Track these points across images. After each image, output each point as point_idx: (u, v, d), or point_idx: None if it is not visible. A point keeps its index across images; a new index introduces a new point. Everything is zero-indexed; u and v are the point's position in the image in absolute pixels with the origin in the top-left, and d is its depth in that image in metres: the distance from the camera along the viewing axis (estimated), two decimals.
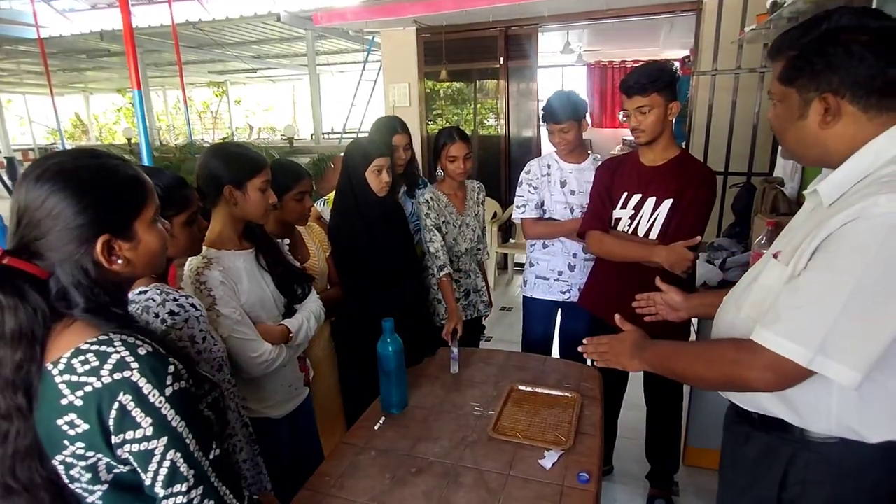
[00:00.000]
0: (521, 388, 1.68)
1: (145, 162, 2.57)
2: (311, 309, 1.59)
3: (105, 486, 0.81)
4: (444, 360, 1.92)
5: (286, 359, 1.48)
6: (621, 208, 1.90)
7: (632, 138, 1.90)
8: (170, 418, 0.77)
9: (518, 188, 2.25)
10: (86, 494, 0.81)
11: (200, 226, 1.29)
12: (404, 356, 1.59)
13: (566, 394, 1.64)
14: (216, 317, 1.35)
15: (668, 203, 1.80)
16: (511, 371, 1.81)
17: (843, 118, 0.89)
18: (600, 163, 2.09)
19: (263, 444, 1.45)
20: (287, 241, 1.69)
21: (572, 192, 2.17)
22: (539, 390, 1.67)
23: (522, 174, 2.25)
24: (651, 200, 1.83)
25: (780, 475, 0.98)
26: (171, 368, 0.79)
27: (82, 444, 0.77)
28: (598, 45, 7.37)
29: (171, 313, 1.13)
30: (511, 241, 5.01)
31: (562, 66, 8.37)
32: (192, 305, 1.19)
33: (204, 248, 1.40)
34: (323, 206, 2.25)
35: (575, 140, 2.12)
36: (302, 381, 1.63)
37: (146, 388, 0.76)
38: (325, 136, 7.45)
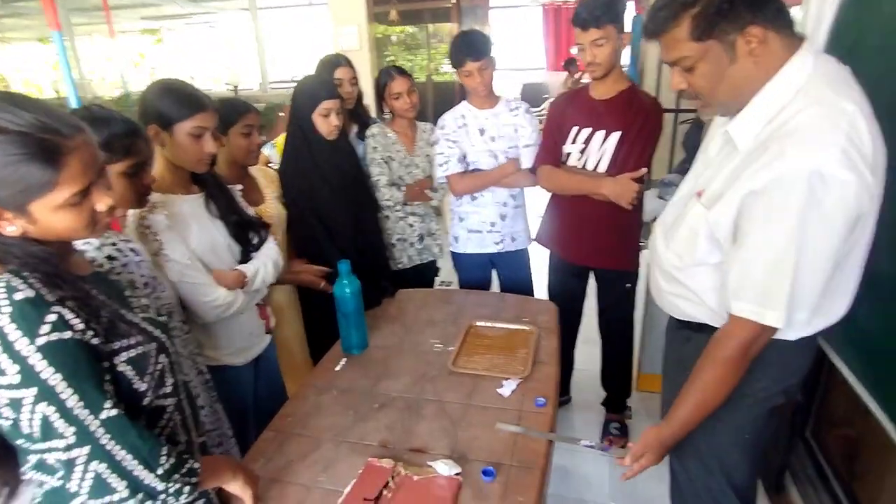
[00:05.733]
0: (480, 324, 1.72)
1: None
2: (269, 255, 1.55)
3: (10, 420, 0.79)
4: (404, 301, 1.94)
5: (243, 304, 1.45)
6: (571, 143, 1.90)
7: (586, 81, 1.87)
8: (39, 369, 0.74)
9: (436, 146, 2.10)
10: (2, 420, 0.79)
11: (146, 179, 1.21)
12: (363, 299, 1.59)
13: (523, 327, 1.68)
14: (164, 262, 1.30)
15: (616, 136, 1.81)
16: (470, 308, 1.84)
17: (768, 43, 0.93)
18: (550, 100, 2.07)
19: (226, 392, 1.45)
20: (240, 187, 1.62)
21: (493, 139, 2.06)
22: (497, 325, 1.71)
23: (437, 130, 2.10)
24: (600, 134, 1.83)
25: None
26: (52, 317, 0.75)
27: None
28: None
29: (109, 258, 1.10)
30: None
31: (516, 6, 8.17)
32: (132, 250, 1.16)
33: None
34: (272, 150, 2.17)
35: (492, 78, 2.00)
36: (263, 328, 1.61)
37: (13, 334, 0.73)
38: (272, 84, 7.11)
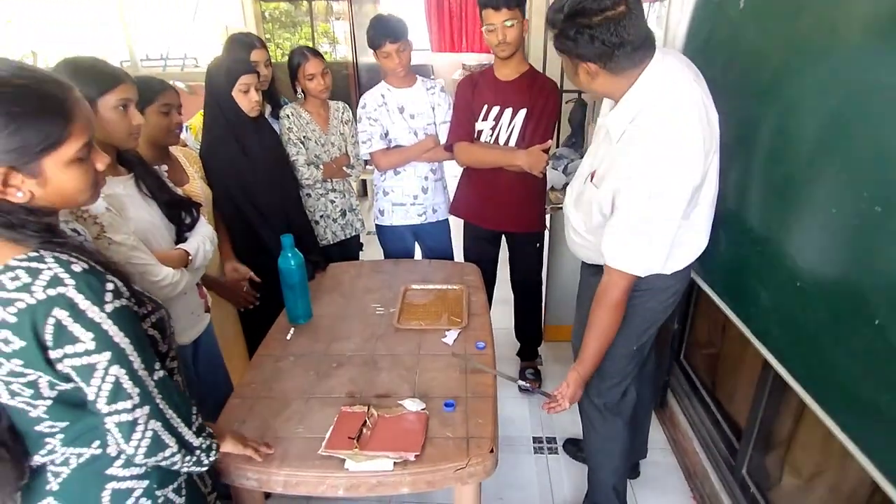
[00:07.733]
0: (415, 286, 1.87)
1: None
2: (204, 233, 1.56)
3: (49, 402, 0.82)
4: (337, 274, 2.03)
5: (189, 283, 1.47)
6: (482, 120, 2.10)
7: (472, 63, 2.05)
8: (111, 333, 0.79)
9: (358, 124, 2.21)
10: (29, 409, 0.82)
11: None
12: None
13: (453, 286, 1.87)
14: (107, 245, 1.28)
15: (523, 112, 2.03)
16: (402, 275, 1.98)
17: (598, 77, 1.21)
18: (460, 79, 2.25)
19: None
20: (165, 167, 1.60)
21: (412, 116, 2.19)
22: (430, 286, 1.88)
23: (359, 109, 2.21)
24: (508, 111, 2.05)
25: None
26: (110, 286, 0.80)
27: (20, 362, 0.77)
28: None
29: None
30: (369, 167, 5.05)
31: None
32: (75, 231, 1.13)
33: None
34: (186, 134, 2.12)
35: (409, 59, 2.12)
36: (202, 307, 1.63)
37: (83, 304, 0.76)
38: (143, 62, 6.52)
